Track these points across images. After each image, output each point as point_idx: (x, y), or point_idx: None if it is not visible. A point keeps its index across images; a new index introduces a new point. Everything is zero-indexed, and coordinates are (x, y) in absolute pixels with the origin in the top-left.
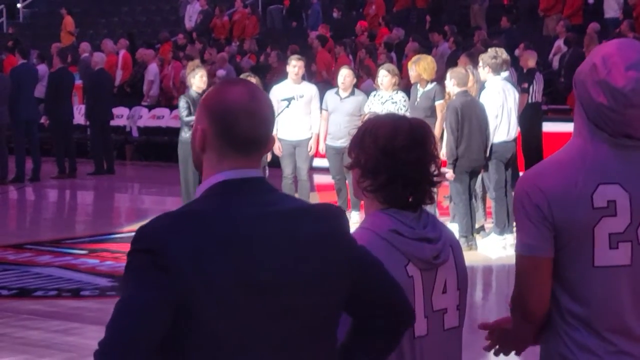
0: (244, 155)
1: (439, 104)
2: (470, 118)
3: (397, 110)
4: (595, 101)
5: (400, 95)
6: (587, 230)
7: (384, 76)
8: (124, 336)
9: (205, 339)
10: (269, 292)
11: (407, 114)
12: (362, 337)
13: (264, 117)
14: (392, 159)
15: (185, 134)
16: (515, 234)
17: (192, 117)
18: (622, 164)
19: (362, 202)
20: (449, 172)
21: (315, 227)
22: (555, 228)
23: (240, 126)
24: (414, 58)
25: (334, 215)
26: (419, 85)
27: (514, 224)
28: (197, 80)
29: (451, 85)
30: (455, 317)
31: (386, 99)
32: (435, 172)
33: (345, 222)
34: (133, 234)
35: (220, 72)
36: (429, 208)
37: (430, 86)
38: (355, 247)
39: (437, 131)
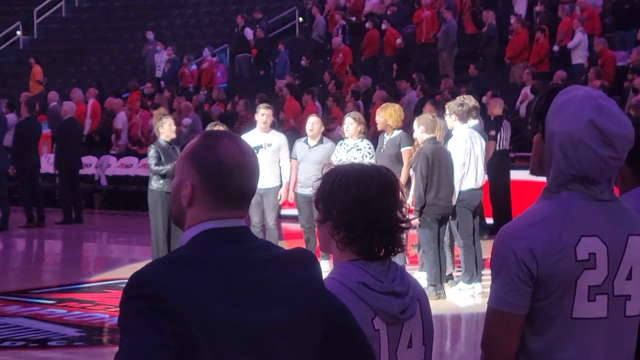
0: (233, 208)
1: (405, 150)
2: (439, 165)
3: (362, 157)
4: (600, 155)
5: (365, 143)
6: (570, 283)
7: (349, 124)
8: None
9: None
10: (257, 336)
11: (373, 162)
12: None
13: (254, 170)
14: (366, 209)
15: (155, 183)
16: (482, 283)
17: (161, 167)
18: (599, 216)
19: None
20: (415, 219)
21: (293, 273)
22: (537, 282)
23: (234, 181)
24: (382, 106)
25: (309, 261)
26: (385, 132)
27: (482, 272)
28: (167, 130)
29: (420, 132)
30: None
31: (351, 147)
32: (404, 219)
33: (319, 268)
34: (101, 283)
35: (186, 121)
36: (398, 256)
37: (396, 133)
38: (328, 294)
39: (403, 178)
